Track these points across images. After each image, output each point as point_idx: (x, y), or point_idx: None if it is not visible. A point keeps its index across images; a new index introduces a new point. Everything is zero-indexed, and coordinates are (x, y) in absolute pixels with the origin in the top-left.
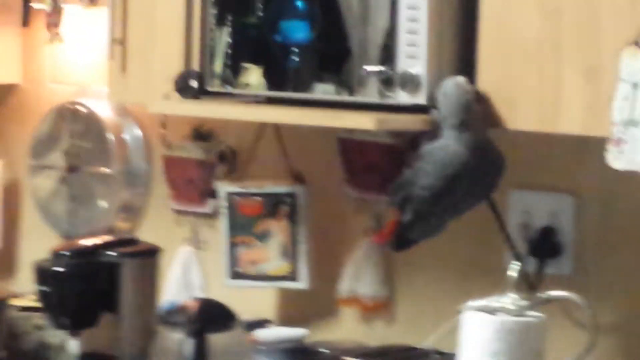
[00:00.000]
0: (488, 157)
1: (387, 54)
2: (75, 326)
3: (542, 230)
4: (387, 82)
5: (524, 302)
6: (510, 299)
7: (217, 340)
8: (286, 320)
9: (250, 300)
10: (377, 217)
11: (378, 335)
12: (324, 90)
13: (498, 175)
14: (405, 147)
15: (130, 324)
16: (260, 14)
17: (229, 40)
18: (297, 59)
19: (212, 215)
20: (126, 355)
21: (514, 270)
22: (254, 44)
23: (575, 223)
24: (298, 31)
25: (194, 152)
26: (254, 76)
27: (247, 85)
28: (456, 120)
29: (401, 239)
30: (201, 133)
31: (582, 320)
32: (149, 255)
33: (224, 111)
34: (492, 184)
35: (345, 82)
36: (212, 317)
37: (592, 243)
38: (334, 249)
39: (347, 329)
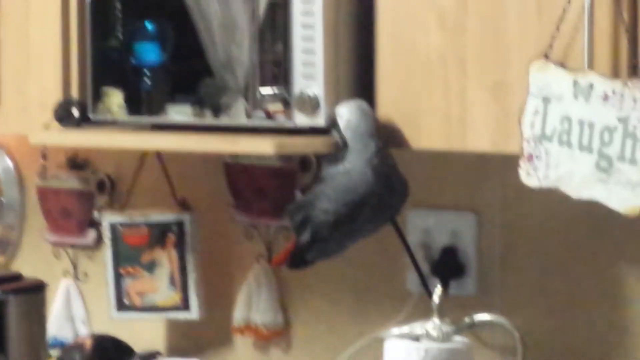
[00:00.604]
0: (392, 183)
1: (276, 75)
2: None
3: (444, 250)
4: (285, 103)
5: (448, 328)
6: (433, 325)
7: None
8: (177, 351)
9: (138, 333)
10: (267, 243)
11: None
12: (178, 112)
13: (402, 202)
14: (295, 170)
15: None
16: (120, 36)
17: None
18: (149, 81)
19: (93, 247)
20: None
21: (437, 295)
22: (115, 68)
23: (477, 242)
24: (149, 53)
25: (69, 182)
26: (115, 100)
27: (108, 110)
28: (360, 146)
29: (297, 259)
30: (76, 162)
31: (505, 343)
32: (35, 290)
33: (111, 140)
34: (395, 210)
35: (203, 104)
36: (108, 353)
37: (495, 261)
38: (224, 276)
39: (242, 357)
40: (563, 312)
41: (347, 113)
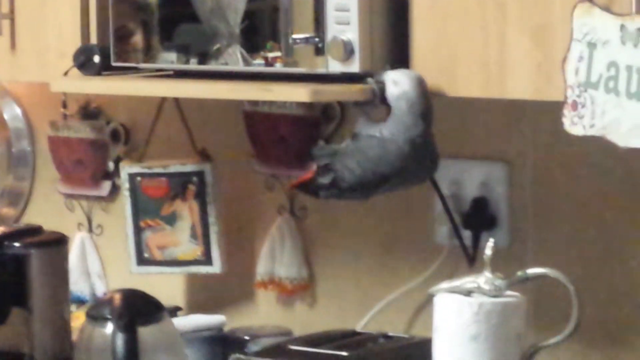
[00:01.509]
0: (425, 160)
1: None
2: None
3: (474, 201)
4: (317, 50)
5: (500, 282)
6: (485, 279)
7: (146, 333)
8: (197, 307)
9: (156, 288)
10: (289, 194)
11: (298, 318)
12: (164, 60)
13: (430, 174)
14: (318, 118)
15: (42, 318)
16: None
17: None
18: None
19: (108, 199)
20: (39, 352)
21: (490, 248)
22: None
23: (508, 192)
24: None
25: (82, 131)
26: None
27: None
28: (409, 122)
29: (310, 191)
30: (88, 111)
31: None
32: (57, 244)
33: (138, 87)
34: (421, 180)
35: (188, 51)
36: (138, 308)
37: (528, 212)
38: (246, 229)
39: (264, 313)
40: (598, 262)
41: (407, 84)
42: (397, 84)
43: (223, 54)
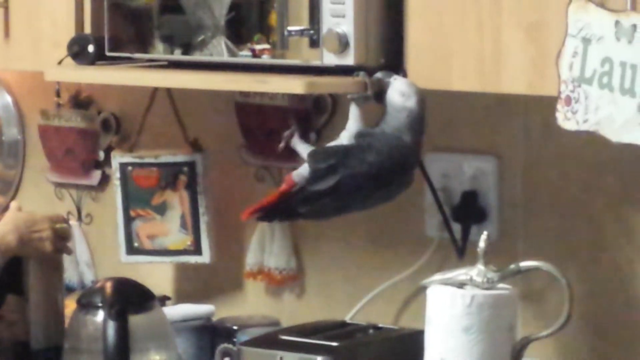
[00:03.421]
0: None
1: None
2: None
3: (464, 195)
4: (312, 42)
5: (492, 274)
6: (478, 271)
7: (137, 321)
8: (186, 296)
9: (145, 277)
10: (279, 186)
11: (287, 309)
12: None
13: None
14: (309, 110)
15: (37, 306)
16: None
17: None
18: None
19: (98, 188)
20: (33, 339)
21: (483, 240)
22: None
23: (498, 186)
24: None
25: (73, 120)
26: None
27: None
28: (399, 133)
29: (282, 210)
30: (79, 100)
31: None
32: None
33: (129, 77)
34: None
35: (172, 42)
36: (131, 297)
37: (518, 206)
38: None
39: (253, 303)
40: (587, 256)
41: (414, 101)
42: (404, 96)
43: (207, 46)
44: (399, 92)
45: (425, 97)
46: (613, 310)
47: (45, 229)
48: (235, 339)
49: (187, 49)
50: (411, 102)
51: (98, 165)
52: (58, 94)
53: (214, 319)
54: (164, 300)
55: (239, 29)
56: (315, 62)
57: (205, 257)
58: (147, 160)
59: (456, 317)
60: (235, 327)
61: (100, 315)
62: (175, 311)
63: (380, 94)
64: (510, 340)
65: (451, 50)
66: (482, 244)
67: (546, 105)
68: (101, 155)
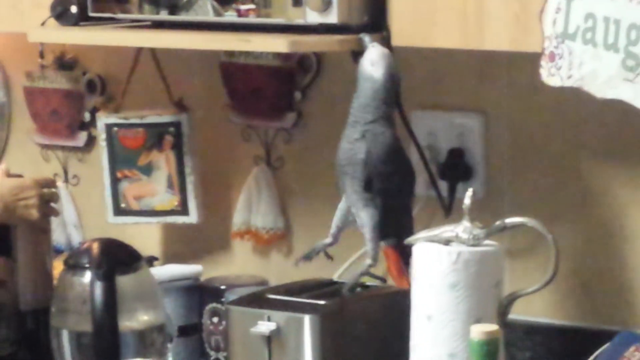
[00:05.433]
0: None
1: None
2: None
3: (450, 152)
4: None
5: (479, 231)
6: (463, 228)
7: (124, 282)
8: (174, 257)
9: (133, 238)
10: (265, 145)
11: (274, 268)
12: None
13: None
14: (294, 69)
15: (26, 266)
16: None
17: None
18: None
19: (84, 149)
20: (22, 300)
21: (469, 197)
22: None
23: (484, 143)
24: None
25: (58, 81)
26: None
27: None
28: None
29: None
30: (64, 62)
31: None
32: None
33: (113, 38)
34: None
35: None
36: (116, 257)
37: (504, 163)
38: (223, 180)
39: (240, 263)
40: (573, 213)
41: (379, 73)
42: (373, 65)
43: (193, 6)
44: (369, 60)
45: (398, 73)
46: (599, 267)
47: (31, 196)
48: (223, 299)
49: (173, 9)
50: (378, 73)
51: (84, 126)
52: (42, 56)
53: (202, 279)
54: (151, 260)
55: None
56: (299, 21)
57: (192, 218)
58: (132, 121)
59: (442, 274)
60: (223, 287)
61: (87, 276)
62: (163, 271)
63: (357, 55)
64: (496, 297)
65: (434, 7)
66: (467, 200)
67: (530, 62)
68: (87, 116)
